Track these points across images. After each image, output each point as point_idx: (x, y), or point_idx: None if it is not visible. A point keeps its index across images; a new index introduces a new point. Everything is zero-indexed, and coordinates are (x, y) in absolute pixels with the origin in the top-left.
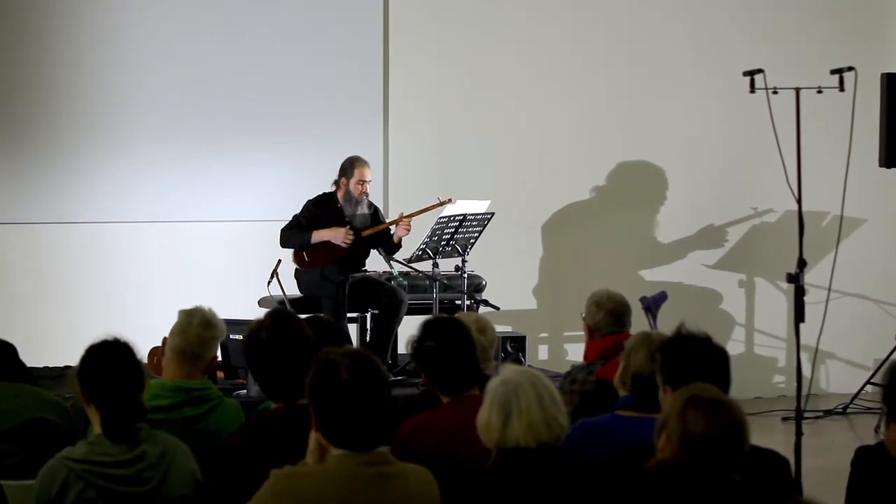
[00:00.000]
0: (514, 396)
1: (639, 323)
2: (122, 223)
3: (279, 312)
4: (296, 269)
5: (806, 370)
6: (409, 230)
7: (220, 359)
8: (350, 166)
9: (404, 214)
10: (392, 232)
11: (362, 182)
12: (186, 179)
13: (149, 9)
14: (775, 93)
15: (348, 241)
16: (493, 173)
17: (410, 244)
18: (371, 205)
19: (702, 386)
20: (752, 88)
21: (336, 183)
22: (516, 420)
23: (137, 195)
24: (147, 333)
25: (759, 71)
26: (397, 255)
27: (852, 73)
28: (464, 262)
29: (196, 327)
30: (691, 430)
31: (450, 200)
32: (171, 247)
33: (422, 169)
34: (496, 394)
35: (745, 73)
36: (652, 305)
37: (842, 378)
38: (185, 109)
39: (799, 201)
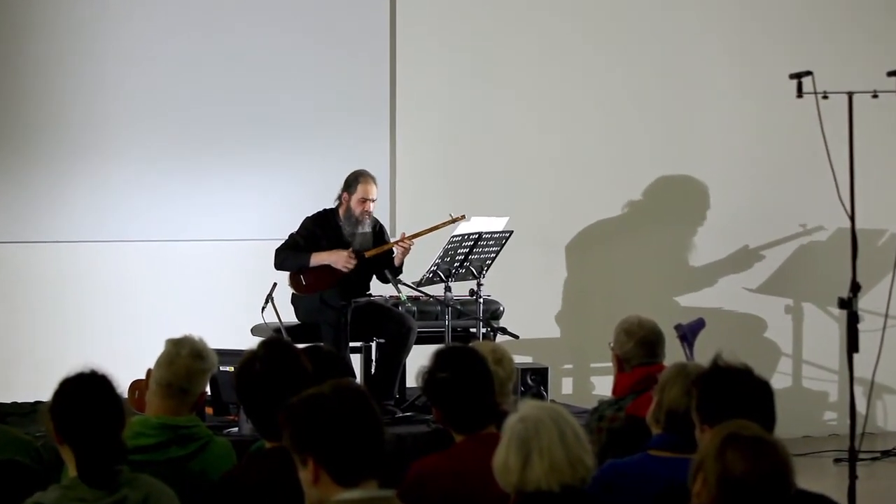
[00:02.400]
0: (534, 435)
1: (673, 353)
2: (101, 242)
3: (274, 341)
4: (293, 293)
5: (860, 406)
6: (407, 251)
7: (209, 393)
8: (354, 181)
9: (406, 234)
10: (394, 254)
11: (365, 200)
12: (172, 194)
13: (131, 8)
14: (825, 97)
15: (350, 267)
16: (511, 187)
17: (420, 266)
18: (375, 222)
19: (742, 423)
20: (800, 93)
21: (339, 198)
22: (537, 461)
23: (118, 211)
24: (129, 365)
25: (808, 73)
26: (405, 278)
27: None
28: (479, 285)
29: (184, 358)
30: (730, 472)
31: (463, 217)
32: (156, 269)
33: (432, 182)
34: (514, 432)
35: (792, 76)
36: (688, 334)
37: None
38: (170, 118)
39: (852, 218)
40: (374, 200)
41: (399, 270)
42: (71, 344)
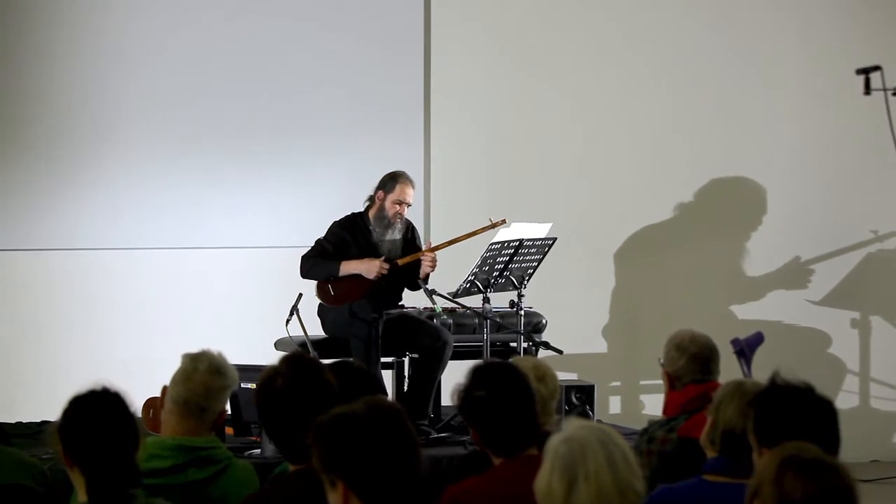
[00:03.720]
0: (580, 458)
1: (729, 370)
2: (112, 250)
3: (297, 357)
4: (320, 304)
5: None
6: (434, 266)
7: (229, 412)
8: (392, 181)
9: (432, 244)
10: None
11: (401, 203)
12: (189, 197)
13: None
14: (895, 94)
15: (383, 274)
16: (554, 191)
17: (457, 275)
18: (408, 225)
19: (803, 445)
20: (868, 89)
21: (371, 197)
22: (583, 487)
23: (130, 216)
24: (143, 382)
25: (876, 68)
26: (441, 288)
27: None
28: (520, 296)
29: (202, 374)
30: (789, 498)
31: (503, 222)
32: (172, 279)
33: (469, 185)
34: (558, 454)
35: (859, 72)
36: (745, 349)
37: None
38: (186, 114)
39: None
40: (409, 205)
41: (425, 283)
42: (81, 359)
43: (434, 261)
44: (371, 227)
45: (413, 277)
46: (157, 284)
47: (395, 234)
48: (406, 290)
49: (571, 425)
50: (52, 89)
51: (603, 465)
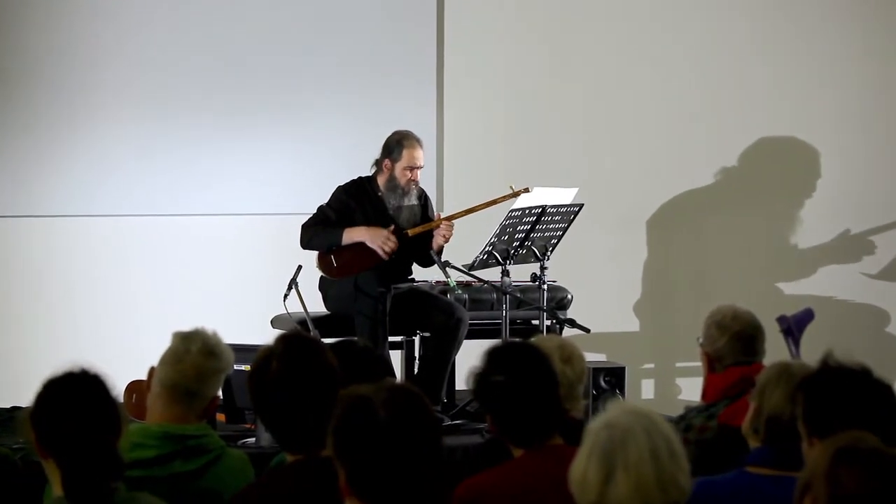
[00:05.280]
0: (619, 446)
1: (775, 351)
2: (91, 217)
3: (295, 336)
4: (321, 277)
5: None
6: (448, 237)
7: (221, 398)
8: (398, 145)
9: (442, 216)
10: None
11: (412, 168)
12: (179, 161)
13: None
14: None
15: (388, 250)
16: (581, 152)
17: (473, 246)
18: (421, 193)
19: (858, 435)
20: None
21: (377, 164)
22: (622, 478)
23: (116, 181)
24: (126, 363)
25: None
26: (455, 260)
27: None
28: (543, 268)
29: (195, 356)
30: (844, 492)
31: (526, 190)
32: (159, 249)
33: (486, 148)
34: (598, 440)
35: None
36: (794, 327)
37: None
38: (178, 72)
39: None
40: (421, 167)
41: (432, 259)
42: (56, 339)
43: (449, 230)
44: (381, 196)
45: (425, 251)
46: (143, 256)
47: (413, 200)
48: (417, 265)
49: (616, 408)
50: (28, 52)
51: (645, 455)
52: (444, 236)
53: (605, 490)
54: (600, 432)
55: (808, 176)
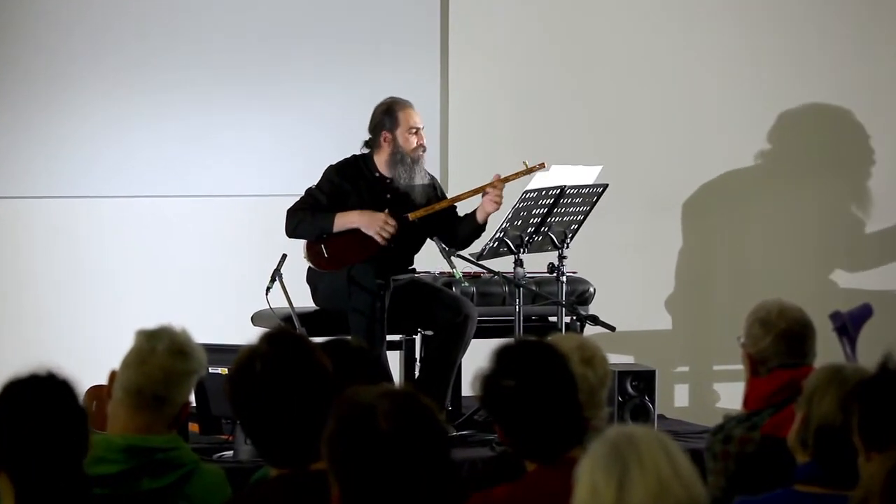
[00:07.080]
0: (627, 443)
1: (828, 352)
2: (49, 199)
3: (280, 334)
4: (309, 268)
5: None
6: (499, 203)
7: (194, 405)
8: (390, 115)
9: (500, 177)
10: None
11: (416, 129)
12: (150, 138)
13: None
14: None
15: (386, 235)
16: (604, 127)
17: (483, 232)
18: (432, 179)
19: None
20: None
21: (370, 143)
22: (637, 476)
23: (75, 159)
24: (86, 364)
25: None
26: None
27: None
28: (561, 258)
29: (161, 356)
30: None
31: (542, 166)
32: (122, 234)
33: (496, 122)
34: (597, 452)
35: None
36: (849, 325)
37: None
38: (156, 43)
39: None
40: (423, 127)
41: (477, 231)
42: (15, 335)
43: (500, 196)
44: (380, 175)
45: (432, 235)
46: (105, 243)
47: (425, 178)
48: (418, 256)
49: (612, 432)
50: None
51: (656, 447)
52: (495, 202)
53: (620, 497)
54: (597, 447)
55: (863, 153)
